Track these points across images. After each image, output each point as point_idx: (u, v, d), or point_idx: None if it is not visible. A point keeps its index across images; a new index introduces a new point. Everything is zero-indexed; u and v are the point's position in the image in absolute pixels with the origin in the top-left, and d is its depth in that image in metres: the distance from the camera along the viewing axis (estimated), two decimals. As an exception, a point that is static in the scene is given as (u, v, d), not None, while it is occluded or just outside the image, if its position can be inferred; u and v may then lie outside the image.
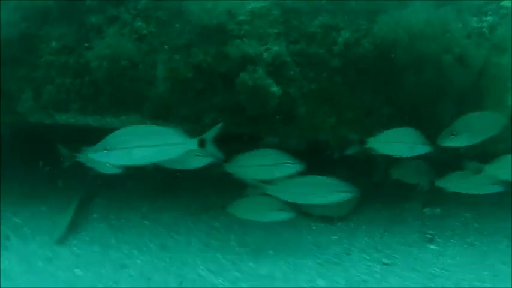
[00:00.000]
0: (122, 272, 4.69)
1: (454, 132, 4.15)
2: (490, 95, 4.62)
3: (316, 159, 5.05)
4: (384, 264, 4.75)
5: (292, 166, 4.21)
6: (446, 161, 4.59)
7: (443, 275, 4.58)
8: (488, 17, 4.59)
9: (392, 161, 4.78)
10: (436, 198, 5.56)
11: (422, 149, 4.25)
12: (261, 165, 4.23)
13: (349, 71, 4.61)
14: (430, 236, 5.12)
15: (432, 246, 5.00)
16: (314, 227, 5.33)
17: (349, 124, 4.78)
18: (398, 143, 4.26)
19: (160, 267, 4.74)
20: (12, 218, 5.44)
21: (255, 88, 4.41)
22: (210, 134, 3.68)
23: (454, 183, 4.55)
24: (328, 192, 4.24)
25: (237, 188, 4.42)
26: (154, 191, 5.84)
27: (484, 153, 4.43)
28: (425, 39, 4.36)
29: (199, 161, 4.14)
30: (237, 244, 5.08)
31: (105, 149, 3.60)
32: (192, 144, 3.64)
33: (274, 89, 4.43)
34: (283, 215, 4.48)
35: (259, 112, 4.59)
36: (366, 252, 4.93)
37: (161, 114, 4.80)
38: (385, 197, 5.67)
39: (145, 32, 4.68)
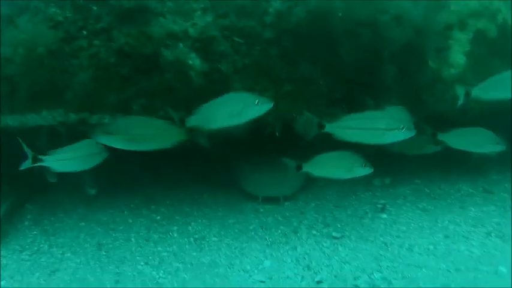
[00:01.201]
0: (54, 277, 4.28)
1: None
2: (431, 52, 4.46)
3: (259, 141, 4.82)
4: (334, 238, 4.49)
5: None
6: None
7: (396, 242, 4.36)
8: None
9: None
10: (386, 169, 5.34)
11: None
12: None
13: (283, 42, 4.34)
14: (381, 206, 4.91)
15: (384, 215, 4.80)
16: (261, 210, 5.02)
17: (288, 98, 4.52)
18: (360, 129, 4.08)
19: (96, 267, 4.35)
20: None
21: (177, 63, 4.08)
22: None
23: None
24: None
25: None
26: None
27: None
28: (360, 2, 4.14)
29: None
30: (178, 235, 4.73)
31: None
32: None
33: (196, 62, 4.10)
34: (365, 170, 4.24)
35: (187, 93, 4.28)
36: (315, 229, 4.68)
37: (86, 105, 4.42)
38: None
39: (61, 18, 4.26)
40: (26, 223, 5.08)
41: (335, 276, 4.01)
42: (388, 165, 5.35)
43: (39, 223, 5.07)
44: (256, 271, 4.15)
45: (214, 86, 4.33)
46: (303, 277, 4.04)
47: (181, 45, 4.11)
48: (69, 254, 4.58)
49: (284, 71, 4.43)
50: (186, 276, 4.18)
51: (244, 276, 4.11)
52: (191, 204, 5.19)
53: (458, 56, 4.43)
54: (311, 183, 5.33)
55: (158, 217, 5.03)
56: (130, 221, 5.02)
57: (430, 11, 4.30)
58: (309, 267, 4.14)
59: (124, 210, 5.18)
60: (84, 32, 4.26)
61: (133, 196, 5.38)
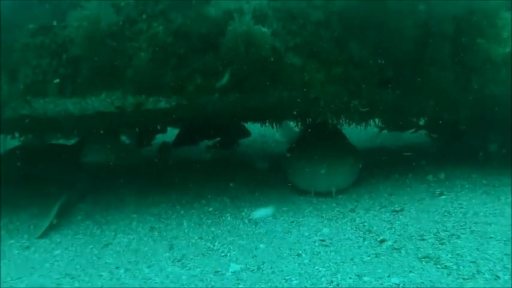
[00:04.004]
0: (106, 249, 4.23)
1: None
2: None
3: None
4: (394, 211, 4.35)
5: None
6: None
7: (459, 211, 4.20)
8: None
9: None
10: (439, 167, 5.28)
11: None
12: None
13: (333, 23, 4.48)
14: (439, 192, 4.77)
15: (443, 197, 4.64)
16: (314, 201, 4.94)
17: (338, 80, 4.62)
18: None
19: (149, 241, 4.30)
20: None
21: (248, 33, 4.21)
22: None
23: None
24: None
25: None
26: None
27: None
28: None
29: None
30: (232, 219, 4.67)
31: None
32: None
33: (266, 30, 4.24)
34: None
35: (249, 67, 4.41)
36: (373, 209, 4.56)
37: (144, 86, 4.58)
38: (385, 171, 5.39)
39: (123, 3, 4.49)
40: (79, 217, 5.10)
41: (399, 235, 3.85)
42: (441, 163, 5.31)
43: (91, 217, 5.07)
44: (314, 236, 4.01)
45: (270, 64, 4.49)
46: (364, 238, 3.90)
47: (248, 16, 4.26)
48: (121, 235, 4.57)
49: (334, 53, 4.54)
50: (242, 242, 4.07)
51: (304, 238, 3.97)
52: (243, 199, 5.14)
53: (506, 35, 4.53)
54: (362, 181, 5.24)
55: (210, 209, 4.99)
56: (182, 212, 4.99)
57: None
58: (370, 231, 4.02)
59: (176, 205, 5.15)
60: (144, 16, 4.44)
61: (183, 194, 5.36)
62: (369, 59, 4.64)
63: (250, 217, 4.63)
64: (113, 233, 4.60)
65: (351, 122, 5.18)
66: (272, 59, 4.45)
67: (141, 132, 6.05)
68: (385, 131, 6.53)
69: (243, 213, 4.75)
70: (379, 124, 6.25)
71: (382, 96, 4.76)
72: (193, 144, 6.18)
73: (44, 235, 4.67)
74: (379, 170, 5.48)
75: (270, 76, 4.58)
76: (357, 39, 4.60)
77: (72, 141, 6.65)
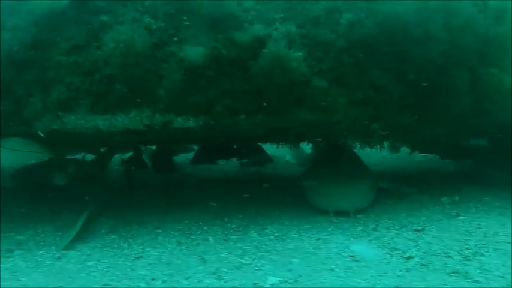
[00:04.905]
0: (139, 261, 4.34)
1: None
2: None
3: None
4: (415, 230, 4.55)
5: None
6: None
7: (479, 231, 4.42)
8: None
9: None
10: (451, 190, 5.52)
11: None
12: None
13: (355, 50, 4.71)
14: (456, 214, 4.99)
15: (460, 218, 4.85)
16: (335, 220, 5.10)
17: (360, 105, 4.84)
18: None
19: (180, 254, 4.43)
20: (15, 237, 5.07)
21: (282, 57, 4.44)
22: None
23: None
24: None
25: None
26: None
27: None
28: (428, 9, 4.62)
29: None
30: (257, 235, 4.82)
31: None
32: None
33: (299, 55, 4.47)
34: None
35: (278, 90, 4.61)
36: (393, 228, 4.76)
37: (173, 106, 4.73)
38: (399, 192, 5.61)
39: (155, 26, 4.66)
40: (103, 231, 5.18)
41: (424, 253, 4.04)
42: (454, 185, 5.54)
43: (115, 231, 5.16)
44: (344, 252, 4.18)
45: (298, 88, 4.71)
46: (391, 255, 4.07)
47: (282, 42, 4.49)
48: (149, 249, 4.66)
49: (356, 78, 4.77)
50: (273, 257, 4.21)
51: (334, 254, 4.13)
52: (264, 217, 5.29)
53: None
54: (378, 202, 5.44)
55: (233, 225, 5.12)
56: (205, 228, 5.11)
57: (496, 20, 4.74)
58: (396, 249, 4.19)
59: (199, 222, 5.27)
60: (175, 39, 4.65)
61: (204, 211, 5.49)
62: (389, 84, 4.87)
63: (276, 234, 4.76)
64: (141, 247, 4.69)
65: (372, 145, 5.38)
66: (300, 83, 4.67)
67: (159, 151, 6.20)
68: (397, 153, 6.76)
69: (267, 231, 4.89)
70: (395, 146, 6.47)
71: (400, 120, 4.99)
72: (210, 163, 6.34)
73: (70, 247, 4.74)
74: (394, 192, 5.67)
75: (296, 99, 4.80)
76: (378, 66, 4.84)
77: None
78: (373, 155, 6.75)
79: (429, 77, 4.81)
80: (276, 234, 4.77)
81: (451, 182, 5.77)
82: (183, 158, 7.00)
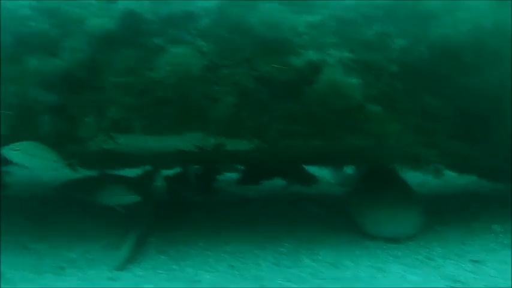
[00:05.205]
0: (196, 285, 4.33)
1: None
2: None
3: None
4: (473, 261, 4.49)
5: None
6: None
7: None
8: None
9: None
10: (501, 216, 5.45)
11: None
12: None
13: (407, 75, 4.70)
14: (510, 243, 4.92)
15: (520, 249, 4.79)
16: (384, 246, 5.06)
17: (412, 129, 4.82)
18: None
19: (235, 279, 4.41)
20: (64, 253, 5.09)
21: (338, 83, 4.44)
22: None
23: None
24: None
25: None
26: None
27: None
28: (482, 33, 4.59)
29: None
30: (310, 261, 4.78)
31: None
32: None
33: (355, 81, 4.46)
34: None
35: (333, 115, 4.61)
36: (449, 257, 4.71)
37: (225, 129, 4.77)
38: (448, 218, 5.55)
39: (206, 49, 4.64)
40: (151, 251, 5.18)
41: None
42: (503, 211, 5.48)
43: (164, 252, 5.14)
44: (404, 282, 4.14)
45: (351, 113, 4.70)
46: (455, 288, 4.02)
47: (340, 69, 4.48)
48: (202, 272, 4.63)
49: (408, 104, 4.76)
50: (333, 286, 4.18)
51: (394, 284, 4.09)
52: (313, 241, 5.25)
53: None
54: (427, 228, 5.38)
55: (283, 250, 5.09)
56: (256, 251, 5.08)
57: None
58: (457, 281, 4.15)
59: (247, 244, 5.25)
60: (228, 62, 4.64)
61: (252, 233, 5.48)
62: (441, 110, 4.84)
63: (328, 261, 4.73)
64: (193, 269, 4.68)
65: (421, 170, 5.34)
66: (353, 108, 4.65)
67: (205, 170, 6.22)
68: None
69: (320, 256, 4.86)
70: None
71: (452, 146, 4.95)
72: (255, 184, 6.35)
73: (122, 267, 4.74)
74: (442, 217, 5.61)
75: (349, 124, 4.79)
76: (431, 91, 4.81)
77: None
78: (414, 177, 6.67)
79: (482, 103, 4.76)
80: (329, 261, 4.73)
81: (501, 208, 5.67)
82: (227, 176, 7.00)
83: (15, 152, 4.66)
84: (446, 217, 5.70)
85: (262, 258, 4.90)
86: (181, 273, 4.65)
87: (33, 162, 4.78)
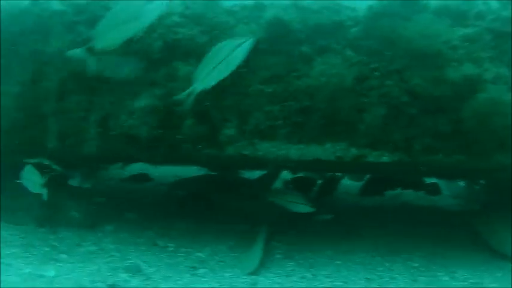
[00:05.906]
0: (337, 296, 4.33)
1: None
2: None
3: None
4: None
5: None
6: None
7: None
8: None
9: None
10: None
11: None
12: None
13: None
14: None
15: None
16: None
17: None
18: None
19: (374, 292, 4.37)
20: (194, 253, 5.22)
21: (495, 101, 4.32)
22: None
23: None
24: None
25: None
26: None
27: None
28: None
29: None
30: (449, 279, 4.68)
31: None
32: None
33: None
34: None
35: (484, 133, 4.47)
36: None
37: (369, 141, 4.68)
38: None
39: (355, 60, 4.62)
40: (278, 256, 5.22)
41: None
42: None
43: (290, 257, 5.16)
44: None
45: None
46: None
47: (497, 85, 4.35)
48: (340, 283, 4.61)
49: None
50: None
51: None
52: (444, 257, 5.14)
53: None
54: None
55: (415, 264, 5.00)
56: (387, 264, 5.02)
57: None
58: None
59: (374, 255, 5.20)
60: (377, 73, 4.59)
61: (377, 243, 5.42)
62: None
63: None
64: (329, 279, 4.67)
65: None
66: (507, 127, 4.48)
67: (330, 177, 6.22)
68: None
69: (457, 275, 4.74)
70: None
71: None
72: (380, 195, 6.29)
73: (256, 272, 4.80)
74: None
75: (499, 142, 4.61)
76: None
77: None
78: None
79: None
80: (471, 281, 4.60)
81: None
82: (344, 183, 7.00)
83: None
84: None
85: (396, 273, 4.83)
86: (316, 282, 4.64)
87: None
